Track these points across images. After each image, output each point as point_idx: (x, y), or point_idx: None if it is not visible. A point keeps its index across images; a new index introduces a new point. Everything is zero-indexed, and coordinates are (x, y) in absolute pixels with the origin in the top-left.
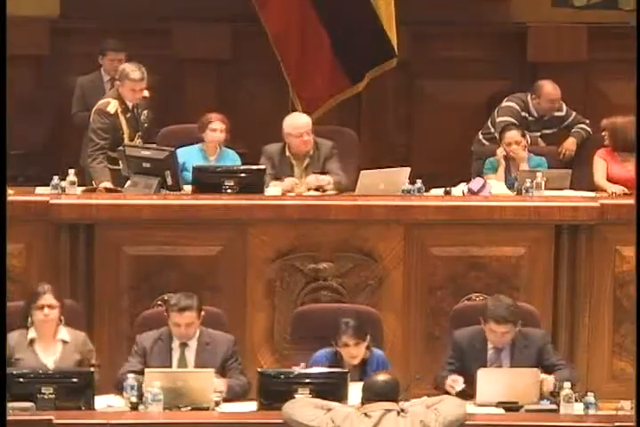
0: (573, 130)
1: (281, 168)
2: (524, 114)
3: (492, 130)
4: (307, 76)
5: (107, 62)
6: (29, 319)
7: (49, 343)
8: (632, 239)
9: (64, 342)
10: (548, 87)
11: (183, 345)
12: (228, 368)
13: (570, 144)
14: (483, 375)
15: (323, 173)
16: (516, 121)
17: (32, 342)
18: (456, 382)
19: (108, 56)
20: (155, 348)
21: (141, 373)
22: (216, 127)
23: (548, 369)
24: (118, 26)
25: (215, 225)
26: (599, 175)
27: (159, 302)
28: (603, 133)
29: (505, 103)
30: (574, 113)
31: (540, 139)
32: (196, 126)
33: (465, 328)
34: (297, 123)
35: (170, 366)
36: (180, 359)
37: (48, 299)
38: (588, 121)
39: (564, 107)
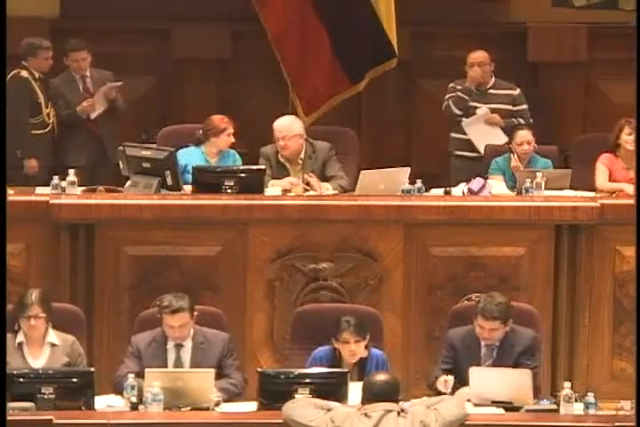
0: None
1: (278, 169)
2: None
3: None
4: (307, 76)
5: (72, 63)
6: (17, 324)
7: (37, 347)
8: (632, 239)
9: (53, 345)
10: None
11: (178, 346)
12: (224, 366)
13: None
14: (474, 374)
15: (324, 177)
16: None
17: (20, 345)
18: (447, 383)
19: (71, 57)
20: (149, 349)
21: (138, 375)
22: (231, 131)
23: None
24: (118, 26)
25: (215, 225)
26: (601, 181)
27: (158, 303)
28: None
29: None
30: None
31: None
32: (201, 130)
33: (459, 327)
34: (277, 126)
35: (166, 368)
36: (175, 360)
37: (35, 310)
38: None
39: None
